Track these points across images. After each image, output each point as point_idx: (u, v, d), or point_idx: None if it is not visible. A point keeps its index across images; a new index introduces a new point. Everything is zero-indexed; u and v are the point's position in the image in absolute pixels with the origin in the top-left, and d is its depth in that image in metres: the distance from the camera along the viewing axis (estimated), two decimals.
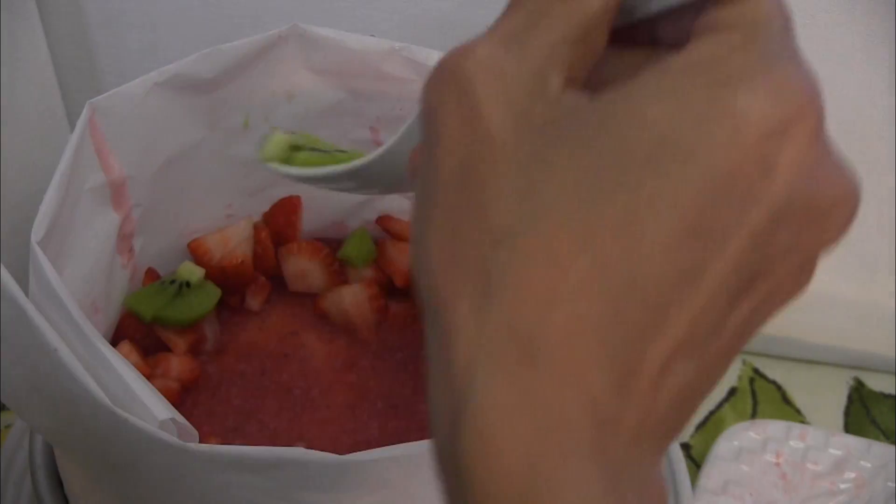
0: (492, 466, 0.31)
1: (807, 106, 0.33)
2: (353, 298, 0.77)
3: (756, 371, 0.99)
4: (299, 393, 0.73)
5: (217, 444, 0.60)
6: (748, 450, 0.88)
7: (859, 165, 0.86)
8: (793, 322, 0.98)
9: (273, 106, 0.74)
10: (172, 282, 0.74)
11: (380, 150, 0.50)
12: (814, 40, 0.76)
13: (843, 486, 0.85)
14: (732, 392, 0.98)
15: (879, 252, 0.91)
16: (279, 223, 0.79)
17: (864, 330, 0.97)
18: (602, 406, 0.31)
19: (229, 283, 0.76)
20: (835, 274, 0.93)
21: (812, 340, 0.99)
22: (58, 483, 0.67)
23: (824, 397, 0.96)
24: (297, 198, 0.79)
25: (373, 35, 0.70)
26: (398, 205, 0.80)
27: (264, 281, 0.79)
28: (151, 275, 0.76)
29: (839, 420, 0.95)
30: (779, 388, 0.98)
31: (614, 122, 0.32)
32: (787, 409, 0.96)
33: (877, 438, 0.92)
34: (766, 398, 0.97)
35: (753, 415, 0.96)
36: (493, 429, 0.31)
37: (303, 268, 0.79)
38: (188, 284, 0.74)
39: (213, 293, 0.75)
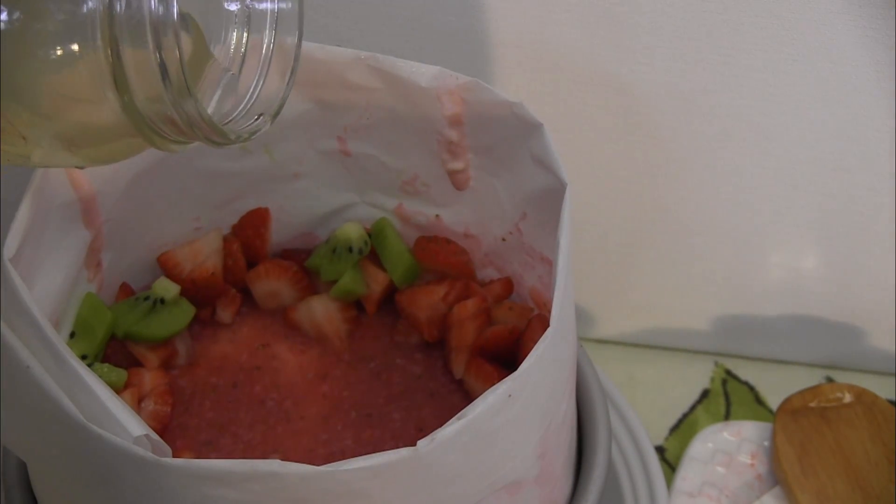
0: None
1: None
2: (324, 309, 0.77)
3: (728, 372, 1.00)
4: (272, 405, 0.73)
5: (191, 458, 0.60)
6: (723, 451, 0.88)
7: (858, 167, 0.87)
8: (764, 322, 0.98)
9: None
10: (146, 298, 0.74)
11: None
12: (814, 41, 0.77)
13: None
14: (705, 394, 0.98)
15: (853, 251, 0.91)
16: (248, 235, 0.79)
17: (835, 329, 0.97)
18: None
19: (200, 295, 0.76)
20: (806, 273, 0.94)
21: (783, 340, 0.99)
22: (32, 501, 0.66)
23: None
24: (266, 209, 0.79)
25: (338, 45, 0.70)
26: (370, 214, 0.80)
27: (235, 293, 0.78)
28: (126, 290, 0.76)
29: None
30: (751, 388, 0.99)
31: None
32: (761, 409, 0.97)
33: None
34: (738, 399, 0.98)
35: (727, 416, 0.96)
36: None
37: (272, 289, 0.78)
38: (162, 301, 0.74)
39: (188, 310, 0.75)
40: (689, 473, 0.87)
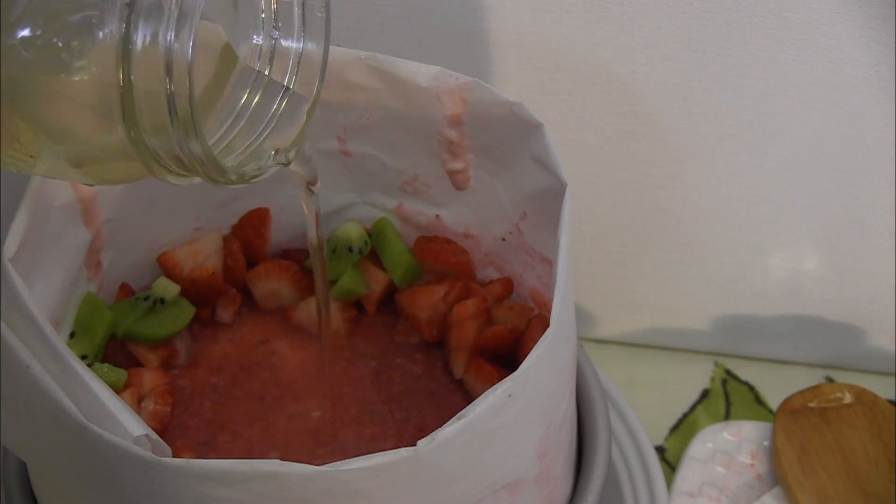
0: None
1: None
2: None
3: (728, 372, 1.00)
4: (272, 401, 0.73)
5: (191, 457, 0.60)
6: (723, 451, 0.88)
7: (859, 167, 0.87)
8: (764, 322, 0.98)
9: None
10: (146, 298, 0.74)
11: None
12: (814, 41, 0.77)
13: None
14: (705, 394, 0.98)
15: (853, 252, 0.91)
16: (248, 235, 0.79)
17: (835, 329, 0.97)
18: None
19: (200, 295, 0.76)
20: (806, 273, 0.93)
21: (783, 340, 0.99)
22: (32, 501, 0.66)
23: None
24: (266, 210, 0.79)
25: (338, 45, 0.70)
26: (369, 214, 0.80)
27: (235, 293, 0.78)
28: (125, 290, 0.76)
29: None
30: (751, 388, 0.99)
31: None
32: (761, 409, 0.97)
33: None
34: (738, 399, 0.98)
35: (727, 416, 0.96)
36: None
37: (272, 289, 0.78)
38: (162, 301, 0.74)
39: (188, 310, 0.75)
40: (689, 473, 0.87)
